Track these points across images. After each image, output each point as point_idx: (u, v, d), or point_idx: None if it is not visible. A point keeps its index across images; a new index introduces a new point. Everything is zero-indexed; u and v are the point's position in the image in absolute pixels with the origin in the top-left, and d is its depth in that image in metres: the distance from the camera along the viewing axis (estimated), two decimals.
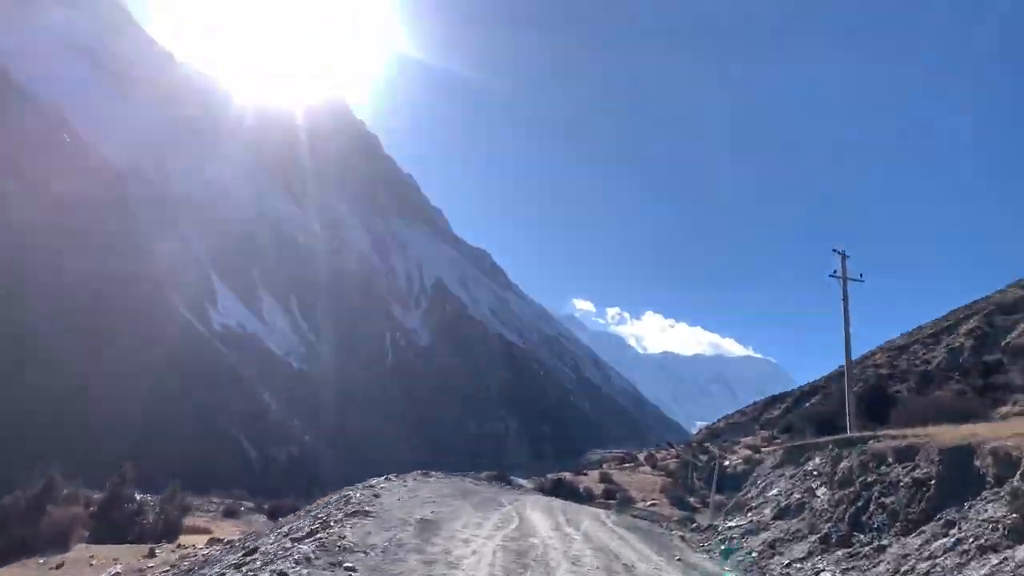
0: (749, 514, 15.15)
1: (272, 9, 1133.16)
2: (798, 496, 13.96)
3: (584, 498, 45.53)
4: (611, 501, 44.16)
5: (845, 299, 21.99)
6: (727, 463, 58.94)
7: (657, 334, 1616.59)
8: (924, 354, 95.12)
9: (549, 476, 57.17)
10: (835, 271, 21.26)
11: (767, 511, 14.45)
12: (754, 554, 12.57)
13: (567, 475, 59.76)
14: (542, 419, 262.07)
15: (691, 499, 47.23)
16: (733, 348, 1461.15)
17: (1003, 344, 46.45)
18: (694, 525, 18.73)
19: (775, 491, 15.32)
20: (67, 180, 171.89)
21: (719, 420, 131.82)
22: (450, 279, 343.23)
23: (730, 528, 14.75)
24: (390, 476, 21.77)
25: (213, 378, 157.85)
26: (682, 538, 16.30)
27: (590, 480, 54.75)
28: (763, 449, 63.71)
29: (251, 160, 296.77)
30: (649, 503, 44.31)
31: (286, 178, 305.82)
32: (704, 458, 60.46)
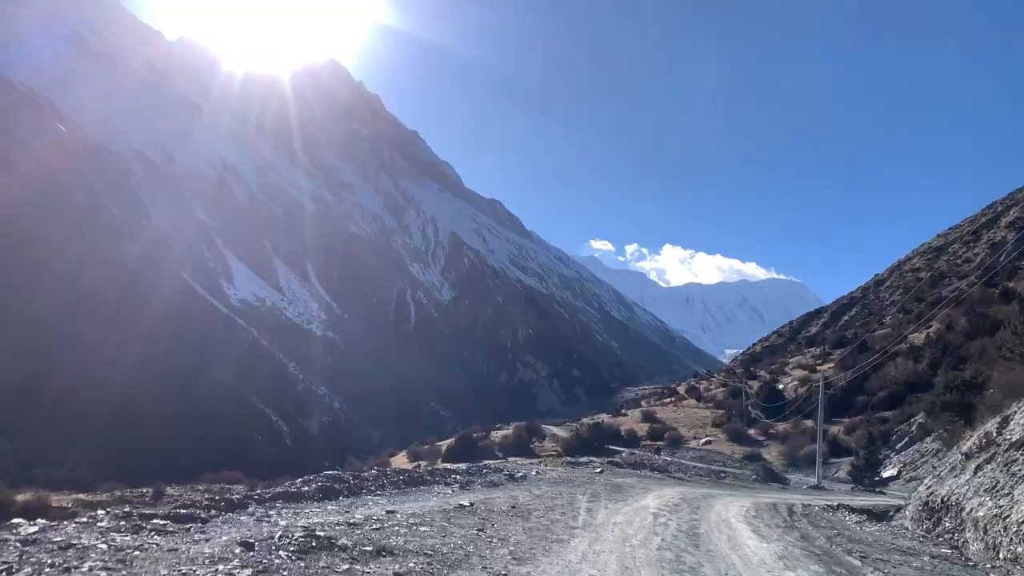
0: None
1: None
2: None
3: (627, 442, 41.26)
4: (659, 443, 39.84)
5: None
6: (781, 386, 54.31)
7: (678, 266, 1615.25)
8: (964, 252, 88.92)
9: (585, 421, 53.08)
10: None
11: None
12: None
13: (604, 417, 55.60)
14: (572, 363, 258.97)
15: (751, 431, 42.67)
16: (756, 272, 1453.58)
17: None
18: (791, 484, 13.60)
19: None
20: (69, 171, 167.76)
21: (755, 344, 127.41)
22: (465, 232, 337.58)
23: None
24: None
25: (236, 354, 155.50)
26: None
27: (632, 420, 50.45)
28: (819, 368, 59.21)
29: (252, 131, 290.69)
30: (704, 441, 39.86)
31: (289, 146, 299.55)
32: (755, 384, 55.87)
